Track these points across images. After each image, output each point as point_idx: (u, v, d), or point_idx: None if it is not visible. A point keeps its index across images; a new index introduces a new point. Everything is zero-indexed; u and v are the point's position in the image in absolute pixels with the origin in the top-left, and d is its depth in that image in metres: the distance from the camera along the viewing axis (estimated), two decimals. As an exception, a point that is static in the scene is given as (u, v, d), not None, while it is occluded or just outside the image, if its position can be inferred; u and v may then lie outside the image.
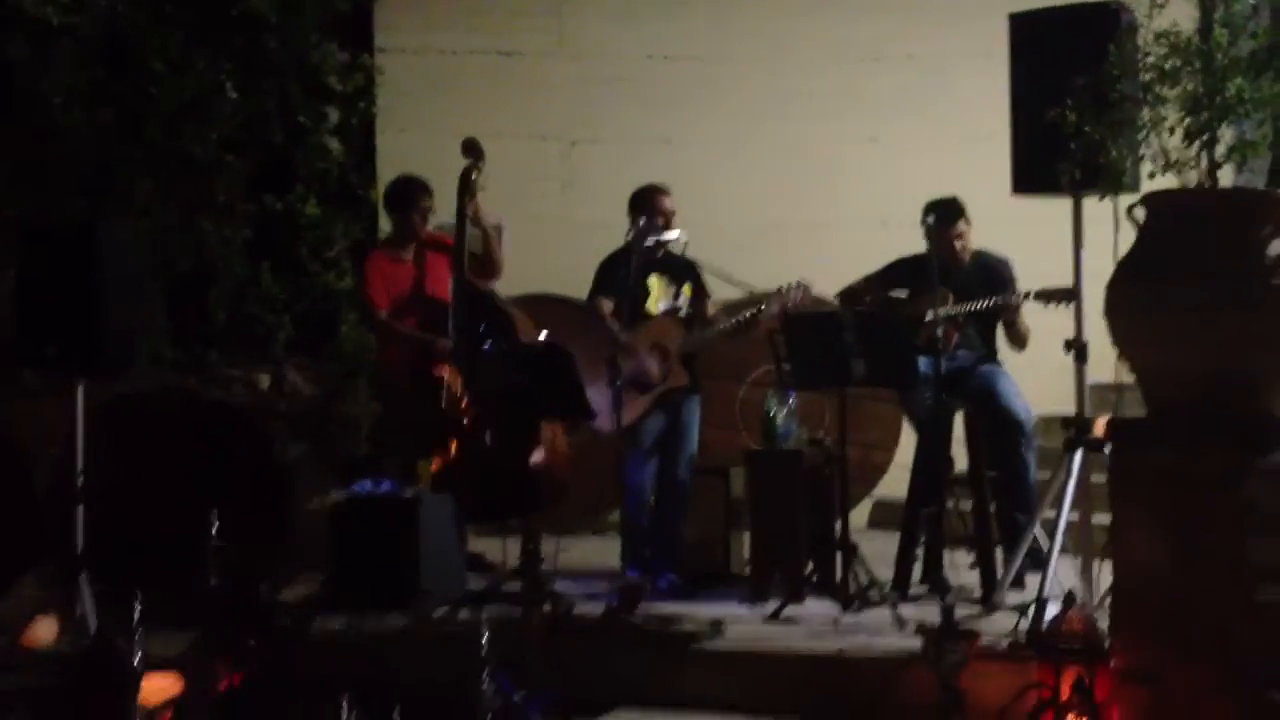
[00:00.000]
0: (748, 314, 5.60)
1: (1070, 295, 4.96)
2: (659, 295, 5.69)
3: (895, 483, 7.02)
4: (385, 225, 7.19)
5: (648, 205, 5.70)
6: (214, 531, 4.49)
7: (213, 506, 4.54)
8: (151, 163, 7.17)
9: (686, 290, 5.73)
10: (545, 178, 7.92)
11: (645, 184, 5.82)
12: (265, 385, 7.24)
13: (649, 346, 5.55)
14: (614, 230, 5.79)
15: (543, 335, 5.59)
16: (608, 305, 5.66)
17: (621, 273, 5.60)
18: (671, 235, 5.63)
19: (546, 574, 5.03)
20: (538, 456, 5.40)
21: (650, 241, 5.58)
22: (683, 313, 5.73)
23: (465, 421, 5.62)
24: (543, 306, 6.51)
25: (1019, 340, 5.49)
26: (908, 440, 6.51)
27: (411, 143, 7.65)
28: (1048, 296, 5.21)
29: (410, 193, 5.96)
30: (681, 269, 5.73)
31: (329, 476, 6.34)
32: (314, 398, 7.27)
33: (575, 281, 6.22)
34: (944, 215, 5.42)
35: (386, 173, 7.64)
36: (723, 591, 5.39)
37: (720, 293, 6.08)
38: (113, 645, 3.96)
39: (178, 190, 7.23)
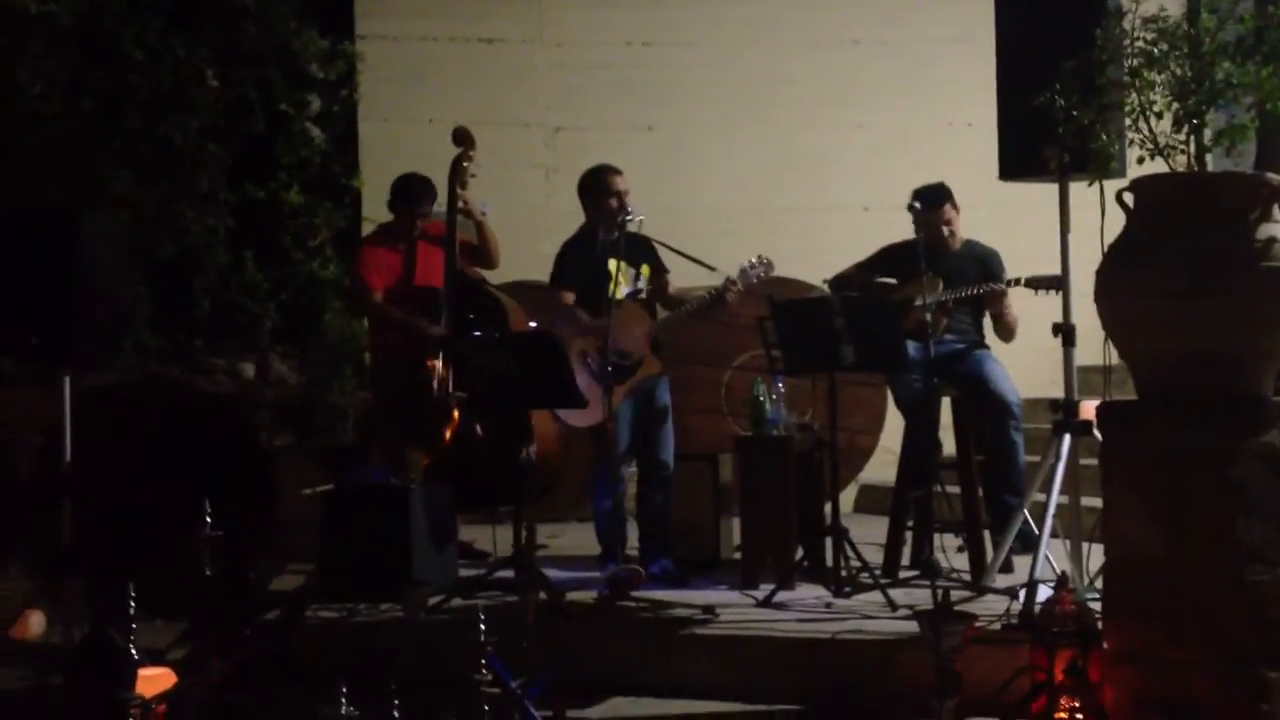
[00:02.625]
0: (714, 291, 5.47)
1: (1059, 283, 4.99)
2: (622, 279, 5.50)
3: (880, 467, 7.07)
4: (369, 212, 7.21)
5: (601, 187, 5.58)
6: (205, 521, 4.48)
7: (200, 496, 4.52)
8: (131, 151, 7.14)
9: (645, 271, 5.61)
10: (528, 165, 7.92)
11: (593, 166, 5.70)
12: (250, 374, 7.23)
13: (619, 333, 5.37)
14: (598, 216, 5.78)
15: (533, 325, 5.58)
16: (569, 296, 5.60)
17: (583, 260, 5.54)
18: (631, 216, 5.45)
19: (539, 561, 5.03)
20: (532, 448, 5.39)
21: (618, 225, 5.43)
22: (643, 294, 5.60)
23: (456, 411, 5.62)
24: (526, 294, 6.51)
25: (1007, 331, 5.53)
26: (892, 424, 6.55)
27: (394, 130, 7.64)
28: (1037, 284, 5.24)
29: (419, 194, 5.93)
30: (638, 249, 5.59)
31: (315, 466, 6.35)
32: (299, 386, 7.26)
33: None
34: (931, 200, 5.45)
35: (368, 161, 7.64)
36: (714, 578, 5.41)
37: (684, 274, 5.98)
38: (108, 638, 3.94)
39: (158, 179, 7.20)
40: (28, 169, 6.92)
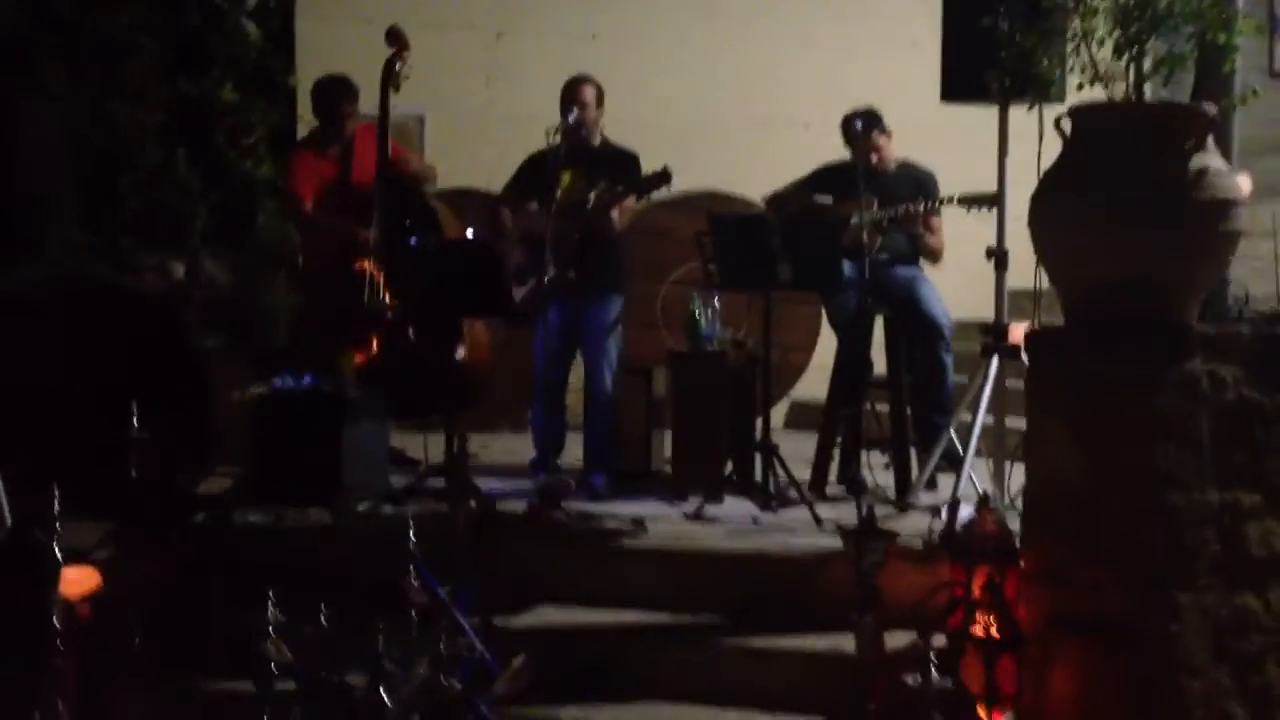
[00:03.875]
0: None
1: (993, 201, 5.03)
2: (569, 189, 5.45)
3: (812, 384, 7.12)
4: (304, 112, 7.07)
5: (565, 95, 5.55)
6: (133, 421, 4.43)
7: (128, 396, 4.47)
8: (63, 44, 6.94)
9: (601, 185, 5.46)
10: (470, 69, 7.80)
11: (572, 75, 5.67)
12: (180, 274, 7.12)
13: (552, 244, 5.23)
14: (539, 124, 5.68)
15: (469, 233, 5.53)
16: (532, 206, 5.54)
17: (538, 168, 5.46)
18: (572, 121, 5.39)
19: (470, 470, 5.03)
20: (460, 353, 5.37)
21: (564, 133, 5.37)
22: (589, 205, 5.42)
23: (388, 316, 5.58)
24: (466, 202, 6.44)
25: (930, 254, 5.58)
26: (826, 342, 6.59)
27: (331, 30, 7.48)
28: (971, 201, 5.27)
29: (336, 97, 5.84)
30: (600, 165, 5.52)
31: (246, 369, 6.28)
32: (231, 288, 7.16)
33: (499, 176, 6.14)
34: (866, 123, 5.45)
35: (305, 60, 7.48)
36: (644, 489, 5.45)
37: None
38: (31, 535, 3.90)
39: (89, 73, 7.01)
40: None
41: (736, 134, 7.81)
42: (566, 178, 5.44)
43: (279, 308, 7.07)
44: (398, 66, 5.74)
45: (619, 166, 5.55)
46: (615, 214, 5.46)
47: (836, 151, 5.64)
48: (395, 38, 5.75)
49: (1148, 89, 4.00)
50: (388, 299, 5.62)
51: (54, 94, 6.77)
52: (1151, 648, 3.63)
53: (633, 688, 4.21)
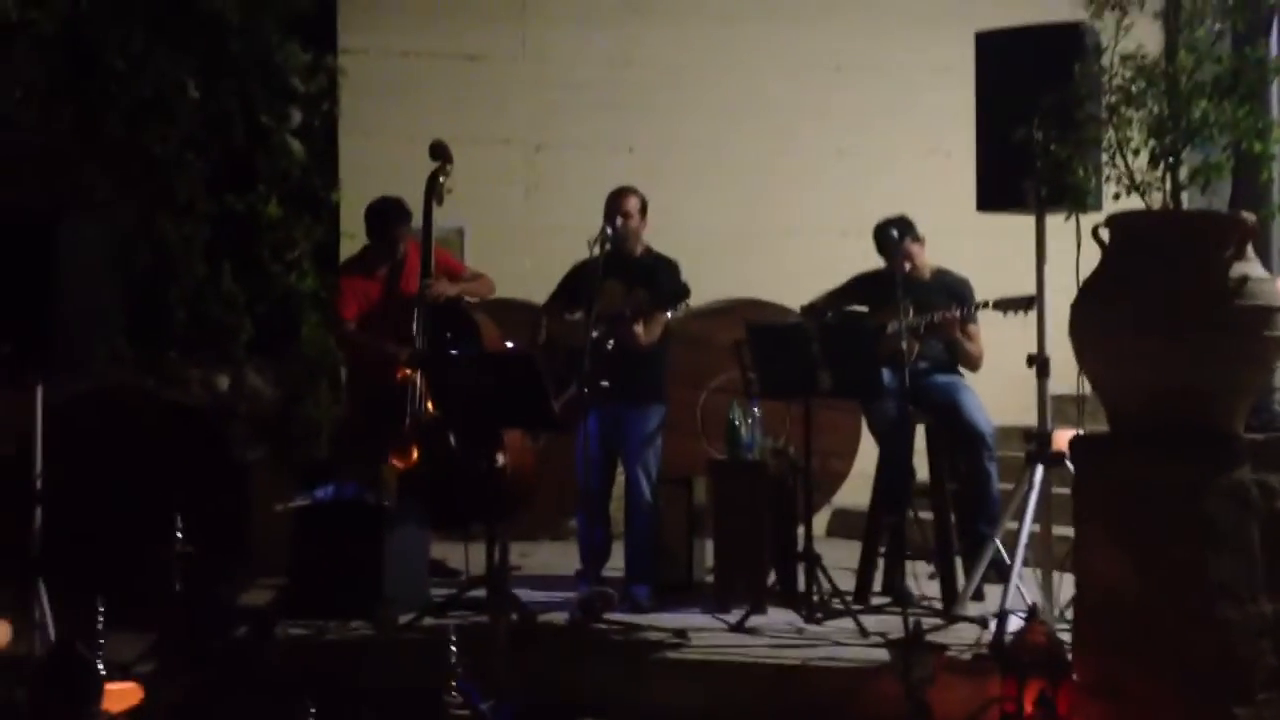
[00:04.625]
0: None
1: (1028, 304, 5.04)
2: (607, 298, 5.47)
3: (853, 491, 7.09)
4: (347, 226, 7.19)
5: (608, 207, 5.62)
6: (176, 534, 4.46)
7: (171, 509, 4.50)
8: (111, 160, 7.10)
9: (637, 295, 5.50)
10: (509, 182, 7.91)
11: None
12: (225, 386, 7.19)
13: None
14: (578, 235, 5.75)
15: (509, 344, 5.58)
16: (576, 315, 5.57)
17: (582, 276, 5.54)
18: (611, 234, 5.45)
19: (511, 581, 5.02)
20: (501, 460, 5.38)
21: (602, 243, 5.44)
22: (627, 314, 5.47)
23: (429, 426, 5.61)
24: (506, 313, 6.50)
25: (967, 360, 5.56)
26: (866, 449, 6.56)
27: (374, 146, 7.62)
28: (1006, 305, 5.26)
29: (391, 219, 5.92)
30: (640, 272, 5.57)
31: (289, 480, 6.30)
32: (274, 400, 7.22)
33: (539, 287, 6.21)
34: (899, 231, 5.48)
35: (348, 175, 7.62)
36: (687, 600, 5.40)
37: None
38: (74, 651, 3.91)
39: (138, 188, 7.16)
40: (6, 175, 6.87)
41: (773, 243, 7.87)
42: (608, 289, 5.48)
43: (322, 419, 7.12)
44: (441, 180, 5.85)
45: (659, 274, 5.59)
46: (639, 329, 5.46)
47: (871, 259, 5.67)
48: (439, 152, 5.86)
49: (1185, 198, 4.02)
50: (430, 408, 5.66)
51: (102, 208, 6.91)
52: (1209, 763, 3.56)
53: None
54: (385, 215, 5.93)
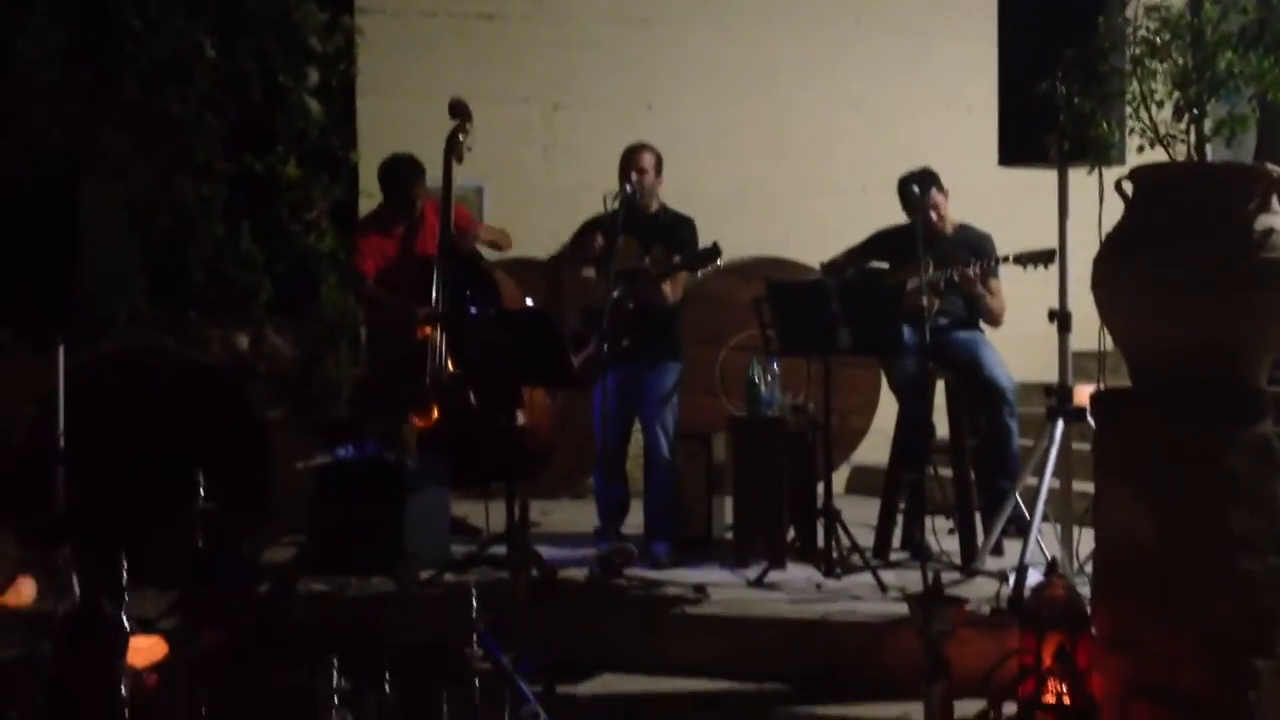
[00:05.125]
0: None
1: (1049, 257, 5.01)
2: (625, 256, 5.44)
3: (872, 448, 7.09)
4: (366, 185, 7.18)
5: (623, 162, 5.60)
6: (199, 492, 4.48)
7: (193, 467, 4.52)
8: (129, 121, 7.11)
9: (655, 252, 5.51)
10: (527, 141, 7.90)
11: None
12: (245, 346, 7.22)
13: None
14: (596, 193, 5.74)
15: (528, 301, 5.58)
16: (589, 272, 5.56)
17: (597, 231, 5.51)
18: (630, 191, 5.43)
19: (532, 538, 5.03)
20: (520, 419, 5.38)
21: (619, 200, 5.42)
22: (642, 275, 5.45)
23: (449, 385, 5.62)
24: (524, 271, 6.50)
25: (990, 317, 5.53)
26: (885, 406, 6.56)
27: (392, 105, 7.61)
28: (1027, 259, 5.23)
29: (406, 177, 5.91)
30: (656, 231, 5.55)
31: (309, 438, 6.34)
32: (294, 359, 7.25)
33: (557, 246, 6.22)
34: (923, 183, 5.44)
35: (367, 135, 7.62)
36: (706, 556, 5.42)
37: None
38: (99, 607, 3.94)
39: (156, 149, 7.17)
40: (26, 138, 6.89)
41: (792, 199, 7.84)
42: (624, 244, 5.45)
43: (341, 378, 7.15)
44: (460, 138, 5.83)
45: (675, 232, 5.58)
46: (667, 287, 5.47)
47: (893, 215, 5.64)
48: (458, 110, 5.84)
49: (1209, 150, 3.98)
50: (450, 366, 5.67)
51: (120, 170, 6.92)
52: (1229, 716, 3.55)
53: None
54: (399, 173, 5.92)
